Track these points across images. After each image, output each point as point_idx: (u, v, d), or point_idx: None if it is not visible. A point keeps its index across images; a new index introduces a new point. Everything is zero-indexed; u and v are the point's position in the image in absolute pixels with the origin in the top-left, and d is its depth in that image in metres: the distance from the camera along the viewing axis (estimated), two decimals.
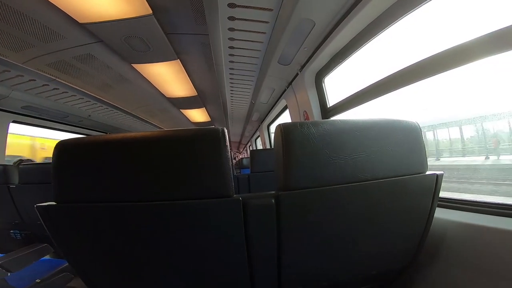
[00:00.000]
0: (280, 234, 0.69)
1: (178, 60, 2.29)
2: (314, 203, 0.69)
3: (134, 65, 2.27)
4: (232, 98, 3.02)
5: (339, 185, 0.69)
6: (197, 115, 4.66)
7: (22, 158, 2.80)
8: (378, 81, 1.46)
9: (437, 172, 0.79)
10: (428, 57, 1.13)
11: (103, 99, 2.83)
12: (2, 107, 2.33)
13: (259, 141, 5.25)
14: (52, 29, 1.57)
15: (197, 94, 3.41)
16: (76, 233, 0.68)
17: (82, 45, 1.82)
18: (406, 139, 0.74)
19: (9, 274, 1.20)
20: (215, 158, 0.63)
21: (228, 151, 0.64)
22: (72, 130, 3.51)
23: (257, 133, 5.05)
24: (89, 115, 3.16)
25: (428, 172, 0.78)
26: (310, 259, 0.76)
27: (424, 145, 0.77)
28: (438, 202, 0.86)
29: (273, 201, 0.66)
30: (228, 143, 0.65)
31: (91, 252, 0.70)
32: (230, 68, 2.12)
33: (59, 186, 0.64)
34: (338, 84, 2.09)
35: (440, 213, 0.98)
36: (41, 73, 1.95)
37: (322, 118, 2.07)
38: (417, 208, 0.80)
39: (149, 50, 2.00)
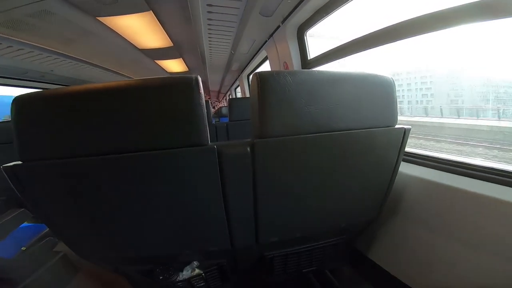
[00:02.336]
0: (256, 183, 0.68)
1: (151, 11, 2.06)
2: (288, 151, 0.68)
3: (100, 18, 2.02)
4: (210, 48, 2.86)
5: (313, 134, 0.68)
6: (174, 65, 4.37)
7: None
8: (359, 37, 1.45)
9: (405, 126, 0.80)
10: (405, 20, 1.13)
11: (66, 54, 2.57)
12: None
13: (238, 91, 5.17)
14: None
15: (172, 45, 3.16)
16: (48, 193, 0.65)
17: (35, 2, 1.57)
18: (380, 93, 0.75)
19: None
20: (188, 106, 0.60)
21: (202, 99, 0.62)
22: (35, 86, 3.24)
23: (237, 83, 4.94)
24: (52, 70, 2.90)
25: (396, 126, 0.79)
26: (284, 209, 0.77)
27: (396, 100, 0.77)
28: (404, 157, 0.89)
29: (248, 149, 0.65)
30: (201, 91, 0.62)
31: (66, 211, 0.68)
32: (209, 19, 1.97)
33: (23, 143, 0.60)
34: (320, 37, 2.08)
35: (405, 168, 0.99)
36: None
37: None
38: (385, 161, 0.81)
39: (116, 2, 1.78)
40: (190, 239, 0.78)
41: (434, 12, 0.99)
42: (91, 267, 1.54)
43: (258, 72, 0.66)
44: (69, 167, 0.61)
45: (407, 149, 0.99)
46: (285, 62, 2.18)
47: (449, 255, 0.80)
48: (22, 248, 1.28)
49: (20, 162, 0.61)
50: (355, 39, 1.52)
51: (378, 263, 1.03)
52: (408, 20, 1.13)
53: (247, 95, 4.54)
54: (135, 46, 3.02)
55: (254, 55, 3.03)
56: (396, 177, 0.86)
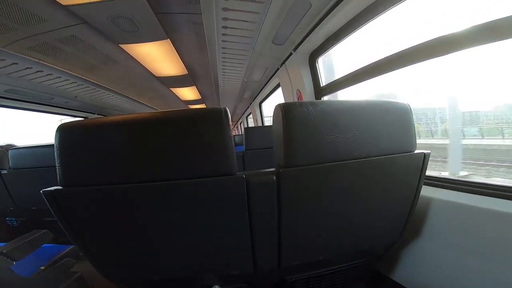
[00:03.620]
0: (281, 210, 0.71)
1: (169, 39, 2.19)
2: (312, 179, 0.71)
3: (122, 45, 2.16)
4: (224, 76, 2.95)
5: (335, 162, 0.71)
6: (188, 93, 4.55)
7: (2, 145, 2.70)
8: (371, 63, 1.48)
9: (425, 151, 0.82)
10: (418, 44, 1.15)
11: (89, 80, 2.72)
12: None
13: (250, 119, 5.24)
14: (33, 12, 1.47)
15: (187, 72, 3.31)
16: (84, 216, 0.69)
17: (65, 27, 1.71)
18: (397, 120, 0.78)
19: (14, 263, 1.17)
20: (218, 137, 0.64)
21: (230, 130, 0.65)
22: (59, 112, 3.39)
23: (249, 111, 5.03)
24: (75, 96, 3.03)
25: (416, 151, 0.81)
26: (307, 234, 0.79)
27: (413, 125, 0.80)
28: (424, 180, 0.90)
29: (274, 178, 0.68)
30: (230, 122, 0.65)
31: (99, 234, 0.72)
32: (223, 48, 2.05)
33: (64, 170, 0.64)
34: (332, 63, 2.11)
35: (426, 191, 1.00)
36: (23, 56, 1.84)
37: (315, 97, 2.11)
38: (406, 185, 0.83)
39: (138, 30, 1.91)
40: (214, 263, 0.80)
41: (447, 35, 1.01)
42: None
43: (282, 103, 0.69)
44: (105, 194, 0.65)
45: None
46: (298, 89, 2.20)
47: (475, 274, 0.81)
48: (41, 268, 1.30)
49: (60, 187, 0.65)
50: (367, 65, 1.54)
51: (400, 283, 1.06)
52: (422, 43, 1.13)
53: (259, 123, 4.57)
54: (152, 74, 3.18)
55: (266, 83, 3.09)
56: (419, 199, 0.87)
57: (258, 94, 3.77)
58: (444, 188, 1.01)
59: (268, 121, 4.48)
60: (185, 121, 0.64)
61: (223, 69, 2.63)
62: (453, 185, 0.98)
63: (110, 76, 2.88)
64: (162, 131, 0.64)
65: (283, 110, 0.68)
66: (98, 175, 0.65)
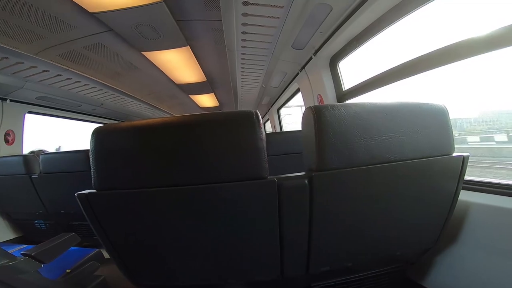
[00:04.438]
0: (312, 214, 0.70)
1: (188, 46, 2.23)
2: (345, 183, 0.70)
3: (144, 53, 2.22)
4: (242, 82, 2.95)
5: (369, 166, 0.69)
6: (206, 100, 4.61)
7: (33, 150, 2.84)
8: (395, 66, 1.42)
9: (464, 154, 0.78)
10: (443, 47, 1.11)
11: (114, 87, 2.82)
12: (17, 98, 2.36)
13: (268, 125, 5.21)
14: (62, 19, 1.54)
15: (206, 79, 3.36)
16: (115, 220, 0.70)
17: (92, 35, 1.78)
18: (434, 121, 0.75)
19: (42, 265, 1.18)
20: (250, 139, 0.63)
21: (262, 133, 0.64)
22: (86, 119, 3.54)
23: (266, 117, 5.00)
24: (102, 104, 3.16)
25: (454, 154, 0.78)
26: (338, 239, 0.77)
27: (451, 127, 0.77)
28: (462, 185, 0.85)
29: (306, 181, 0.67)
30: (262, 125, 0.65)
31: (128, 238, 0.72)
32: (242, 53, 2.05)
33: (99, 173, 0.65)
34: (353, 67, 2.04)
35: (464, 196, 0.95)
36: (54, 63, 1.93)
37: (337, 101, 2.04)
38: (443, 189, 0.80)
39: (160, 37, 1.95)
40: (240, 268, 0.79)
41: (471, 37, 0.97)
42: None
43: (313, 106, 0.68)
44: (137, 197, 0.66)
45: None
46: (319, 94, 2.14)
47: None
48: (67, 271, 1.33)
49: (94, 191, 0.66)
50: (392, 68, 1.46)
51: None
52: (447, 46, 1.08)
53: (277, 129, 4.53)
54: (172, 81, 3.25)
55: (285, 88, 3.05)
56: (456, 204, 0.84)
57: (276, 100, 3.74)
58: (486, 192, 0.95)
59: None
60: (216, 124, 0.64)
61: (242, 75, 2.63)
62: (498, 190, 0.92)
63: (133, 83, 2.98)
64: (194, 134, 0.64)
65: (314, 113, 0.67)
66: (131, 178, 0.65)
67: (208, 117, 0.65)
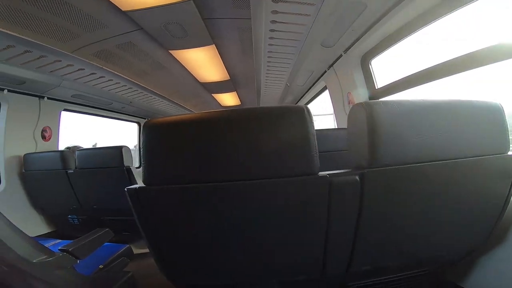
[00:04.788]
0: (361, 211, 0.69)
1: (214, 45, 2.23)
2: (397, 180, 0.69)
3: (171, 51, 2.25)
4: (267, 81, 2.91)
5: (421, 164, 0.68)
6: (228, 99, 4.63)
7: (69, 146, 2.97)
8: (433, 66, 1.39)
9: None
10: (481, 49, 1.09)
11: (142, 85, 2.89)
12: (53, 96, 2.46)
13: None
14: (96, 18, 1.58)
15: (229, 78, 3.36)
16: (163, 215, 0.69)
17: (123, 34, 1.83)
18: (488, 119, 0.73)
19: (78, 261, 1.20)
20: (302, 135, 0.62)
21: (314, 128, 0.63)
22: (116, 117, 3.68)
23: None
24: (130, 102, 3.24)
25: (510, 153, 0.76)
26: (384, 237, 0.76)
27: (506, 125, 0.75)
28: None
29: (357, 178, 0.66)
30: (313, 120, 0.64)
31: (175, 233, 0.72)
32: (269, 51, 2.01)
33: (148, 168, 0.65)
34: (386, 65, 1.94)
35: None
36: (89, 62, 2.00)
37: (370, 99, 1.99)
38: (496, 189, 0.77)
39: (187, 36, 1.96)
40: (283, 267, 0.78)
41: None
42: None
43: (364, 102, 0.68)
44: (186, 193, 0.65)
45: None
46: (349, 92, 2.09)
47: None
48: (100, 266, 1.35)
49: (144, 185, 0.66)
50: (429, 68, 1.43)
51: None
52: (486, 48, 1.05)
53: None
54: (196, 80, 3.29)
55: (311, 87, 2.98)
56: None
57: (300, 99, 3.66)
58: None
59: None
60: (268, 119, 0.63)
61: (266, 73, 2.59)
62: None
63: (160, 81, 3.05)
64: (245, 129, 0.63)
65: (366, 109, 0.66)
66: (180, 173, 0.64)
67: (259, 111, 0.64)
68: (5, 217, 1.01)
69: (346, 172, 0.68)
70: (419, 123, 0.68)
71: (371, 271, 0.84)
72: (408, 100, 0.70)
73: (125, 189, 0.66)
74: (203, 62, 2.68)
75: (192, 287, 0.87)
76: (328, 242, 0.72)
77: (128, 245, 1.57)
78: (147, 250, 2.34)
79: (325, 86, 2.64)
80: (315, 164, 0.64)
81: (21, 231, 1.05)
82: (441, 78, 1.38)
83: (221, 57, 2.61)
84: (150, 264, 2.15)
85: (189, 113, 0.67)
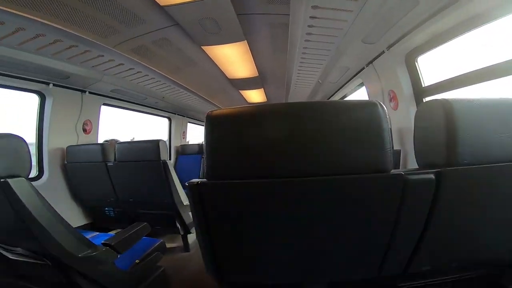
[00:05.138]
0: (432, 212, 0.66)
1: (245, 41, 2.19)
2: (477, 180, 0.66)
3: (204, 47, 2.26)
4: (298, 78, 2.81)
5: (503, 164, 0.65)
6: (255, 96, 4.60)
7: (107, 139, 3.08)
8: (493, 64, 1.30)
9: None
10: None
11: (175, 81, 2.93)
12: (94, 90, 2.58)
13: None
14: (135, 12, 1.61)
15: (257, 75, 3.32)
16: (223, 210, 0.68)
17: (159, 29, 1.85)
18: None
19: (119, 256, 1.21)
20: (375, 130, 0.60)
21: (388, 124, 0.61)
22: (149, 112, 3.80)
23: None
24: (163, 97, 3.32)
25: None
26: (454, 238, 0.73)
27: None
28: None
29: (433, 177, 0.63)
30: (388, 116, 0.61)
31: (232, 228, 0.70)
32: (304, 48, 1.92)
33: (210, 161, 0.63)
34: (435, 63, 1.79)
35: None
36: (129, 57, 2.05)
37: (416, 98, 1.89)
38: None
39: (220, 31, 1.94)
40: (339, 267, 0.76)
41: None
42: (180, 286, 1.72)
43: (442, 99, 0.65)
44: (250, 188, 0.63)
45: None
46: (391, 90, 1.98)
47: None
48: (136, 261, 1.35)
49: (205, 180, 0.64)
50: (489, 66, 1.34)
51: None
52: None
53: None
54: (225, 76, 3.29)
55: (344, 84, 2.83)
56: None
57: (332, 96, 3.51)
58: None
59: None
60: (340, 113, 0.61)
61: (298, 70, 2.49)
62: None
63: (190, 77, 3.09)
64: (314, 122, 0.61)
65: (445, 105, 0.64)
66: (243, 168, 0.63)
67: (331, 105, 0.62)
68: (54, 210, 1.03)
69: (420, 170, 0.65)
70: (502, 121, 0.65)
71: (429, 272, 0.81)
72: (489, 99, 0.67)
73: (186, 183, 0.65)
74: (234, 58, 2.66)
75: (239, 287, 0.86)
76: (392, 242, 0.69)
77: (162, 240, 1.58)
78: (176, 245, 2.41)
79: (361, 83, 2.54)
80: (388, 161, 0.61)
81: (69, 224, 1.07)
82: (503, 77, 1.28)
83: (251, 53, 2.57)
84: (180, 259, 2.20)
85: (252, 105, 0.64)
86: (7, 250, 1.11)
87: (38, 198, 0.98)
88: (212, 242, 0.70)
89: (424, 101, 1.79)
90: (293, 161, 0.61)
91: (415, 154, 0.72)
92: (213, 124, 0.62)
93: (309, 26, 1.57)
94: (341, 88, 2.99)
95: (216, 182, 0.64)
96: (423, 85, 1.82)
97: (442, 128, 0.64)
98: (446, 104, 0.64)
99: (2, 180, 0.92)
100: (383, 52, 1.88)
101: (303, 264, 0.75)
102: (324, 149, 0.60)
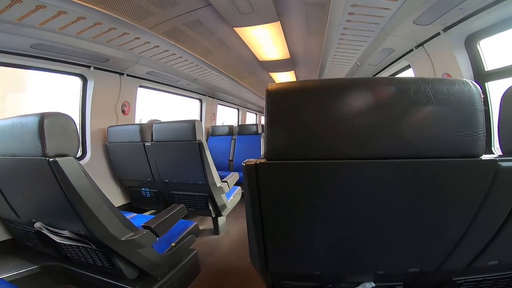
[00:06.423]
0: None
1: (279, 22, 2.07)
2: None
3: (236, 29, 2.18)
4: (333, 60, 2.62)
5: None
6: (285, 79, 4.44)
7: (150, 120, 3.14)
8: None
9: None
10: None
11: (207, 63, 2.91)
12: (132, 73, 2.64)
13: None
14: None
15: (289, 57, 3.17)
16: (280, 192, 0.64)
17: (192, 11, 1.82)
18: None
19: (157, 239, 1.18)
20: (468, 111, 0.54)
21: (482, 105, 0.54)
22: (182, 93, 3.86)
23: None
24: (195, 79, 3.34)
25: None
26: None
27: None
28: None
29: None
30: (482, 96, 0.55)
31: (287, 213, 0.66)
32: (344, 28, 1.75)
33: (269, 141, 0.59)
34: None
35: None
36: (163, 38, 2.05)
37: (476, 82, 1.64)
38: None
39: (253, 11, 1.85)
40: (398, 259, 0.71)
41: None
42: (210, 269, 1.72)
43: None
44: (311, 170, 0.59)
45: None
46: (446, 73, 1.81)
47: None
48: (172, 244, 1.34)
49: (264, 160, 0.61)
50: None
51: None
52: None
53: None
54: (256, 58, 3.19)
55: (386, 67, 2.60)
56: None
57: None
58: None
59: None
60: (422, 90, 0.54)
61: (335, 52, 2.32)
62: None
63: (222, 59, 3.05)
64: (391, 100, 0.55)
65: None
66: (305, 148, 0.58)
67: (411, 81, 0.54)
68: (101, 191, 1.03)
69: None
70: None
71: (493, 266, 0.74)
72: None
73: (243, 164, 0.61)
74: (266, 40, 2.56)
75: (282, 276, 0.82)
76: (466, 234, 0.63)
77: (196, 222, 1.58)
78: (206, 227, 2.44)
79: (407, 65, 2.32)
80: (480, 145, 0.55)
81: (113, 206, 1.07)
82: None
83: (284, 35, 2.45)
84: (209, 242, 2.20)
85: (316, 79, 0.58)
86: (54, 233, 1.11)
87: (86, 178, 0.97)
88: (263, 227, 0.67)
89: (486, 85, 1.62)
90: (363, 141, 0.56)
91: (499, 140, 0.64)
92: (274, 100, 0.57)
93: (352, 5, 1.43)
94: (382, 70, 2.74)
95: (276, 163, 0.59)
96: (486, 69, 1.63)
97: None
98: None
99: (51, 159, 0.90)
100: (438, 33, 1.71)
101: (355, 256, 0.72)
102: (402, 129, 0.55)
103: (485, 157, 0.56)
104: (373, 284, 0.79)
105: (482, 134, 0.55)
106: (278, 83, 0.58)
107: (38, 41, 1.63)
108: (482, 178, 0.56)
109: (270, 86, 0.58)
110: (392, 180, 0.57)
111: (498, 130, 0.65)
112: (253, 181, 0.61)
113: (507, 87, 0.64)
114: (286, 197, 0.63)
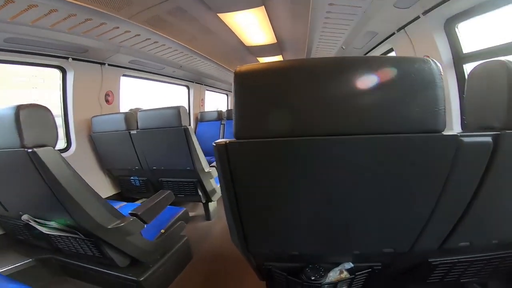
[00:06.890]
0: (485, 178, 0.61)
1: (263, 6, 2.03)
2: None
3: (220, 15, 2.13)
4: (319, 44, 2.62)
5: None
6: None
7: (132, 108, 3.06)
8: None
9: None
10: None
11: (192, 50, 2.86)
12: (113, 63, 2.57)
13: None
14: None
15: (276, 41, 3.14)
16: (250, 172, 0.65)
17: None
18: None
19: (145, 226, 1.18)
20: (430, 88, 0.55)
21: (442, 81, 0.56)
22: (168, 81, 3.78)
23: None
24: (181, 66, 3.27)
25: None
26: (503, 210, 0.68)
27: None
28: None
29: (490, 140, 0.58)
30: (442, 73, 0.57)
31: (260, 193, 0.67)
32: (328, 12, 1.75)
33: (238, 120, 0.60)
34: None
35: None
36: (144, 27, 2.00)
37: (455, 64, 1.78)
38: None
39: None
40: (371, 239, 0.73)
41: None
42: (202, 255, 1.73)
43: (508, 60, 0.61)
44: (280, 147, 0.60)
45: None
46: (426, 56, 1.80)
47: None
48: (162, 231, 1.33)
49: (234, 140, 0.61)
50: None
51: None
52: None
53: None
54: (242, 43, 3.14)
55: (371, 50, 2.62)
56: None
57: None
58: None
59: None
60: (388, 68, 0.55)
61: (320, 36, 2.32)
62: None
63: (208, 45, 2.98)
64: (356, 78, 0.55)
65: (508, 66, 0.59)
66: (275, 126, 0.59)
67: (377, 60, 0.56)
68: (84, 181, 1.03)
69: (476, 133, 0.60)
70: None
71: (465, 248, 0.76)
72: None
73: (213, 144, 0.61)
74: (251, 25, 2.51)
75: (263, 257, 0.83)
76: (434, 213, 0.64)
77: (185, 208, 1.60)
78: (197, 213, 2.48)
79: (390, 48, 2.36)
80: (441, 121, 0.56)
81: (98, 195, 1.07)
82: None
83: (269, 20, 2.41)
84: (201, 228, 2.26)
85: (287, 60, 0.59)
86: (41, 225, 1.12)
87: (67, 168, 0.97)
88: (239, 208, 0.68)
89: (464, 67, 1.70)
90: (331, 118, 0.57)
91: (465, 116, 0.67)
92: (242, 81, 0.58)
93: None
94: (367, 54, 2.76)
95: (246, 141, 0.60)
96: (463, 52, 1.70)
97: (505, 89, 0.59)
98: (509, 64, 0.59)
99: (29, 150, 0.90)
100: (418, 17, 1.73)
101: (331, 234, 0.72)
102: (369, 106, 0.56)
103: (446, 132, 0.57)
104: (352, 265, 0.81)
105: (443, 109, 0.56)
106: (247, 65, 0.59)
107: (12, 35, 1.57)
108: (445, 153, 0.58)
109: (238, 68, 0.58)
110: (360, 156, 0.59)
111: (463, 108, 0.68)
112: (225, 161, 0.61)
113: (473, 67, 0.69)
114: (258, 177, 0.64)
